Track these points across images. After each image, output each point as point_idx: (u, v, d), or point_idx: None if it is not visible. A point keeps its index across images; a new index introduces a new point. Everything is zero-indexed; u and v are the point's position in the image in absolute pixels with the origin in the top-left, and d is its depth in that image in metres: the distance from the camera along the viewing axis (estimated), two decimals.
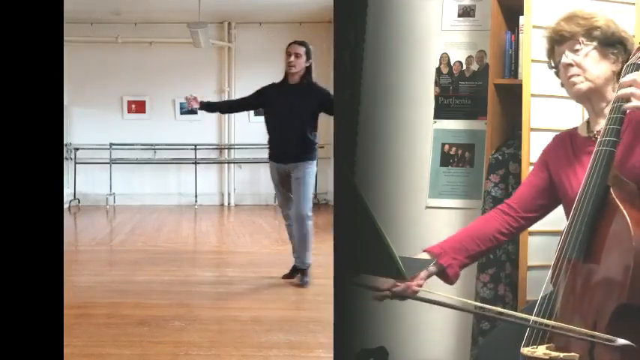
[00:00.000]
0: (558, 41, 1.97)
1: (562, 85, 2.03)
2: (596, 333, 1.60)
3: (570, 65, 1.92)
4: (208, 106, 4.62)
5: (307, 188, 4.21)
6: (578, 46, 1.92)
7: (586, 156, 1.89)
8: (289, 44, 4.21)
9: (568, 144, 2.03)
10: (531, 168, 2.58)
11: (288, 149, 4.19)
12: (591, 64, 1.91)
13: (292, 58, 4.14)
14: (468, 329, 3.00)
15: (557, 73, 2.03)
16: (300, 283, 4.31)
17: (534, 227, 2.18)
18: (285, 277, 4.44)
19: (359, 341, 3.05)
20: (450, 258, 1.95)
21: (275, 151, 4.28)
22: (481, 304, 1.83)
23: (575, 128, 2.07)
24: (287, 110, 4.14)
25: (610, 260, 1.66)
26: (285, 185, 4.27)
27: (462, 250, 1.98)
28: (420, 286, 1.89)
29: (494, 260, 2.87)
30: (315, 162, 4.28)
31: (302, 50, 4.15)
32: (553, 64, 2.02)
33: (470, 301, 1.81)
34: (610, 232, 1.68)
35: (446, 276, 1.96)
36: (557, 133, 2.13)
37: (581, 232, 1.72)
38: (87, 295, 3.99)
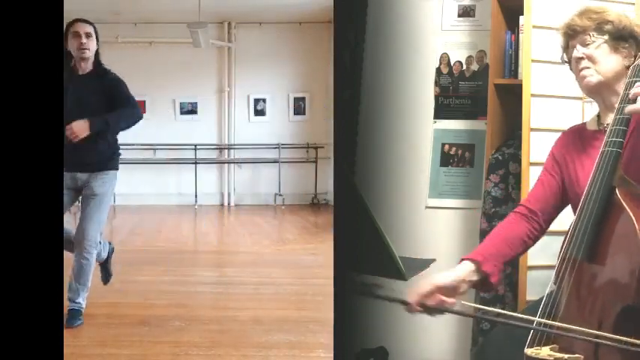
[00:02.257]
0: (571, 36, 1.95)
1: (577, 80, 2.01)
2: (601, 333, 1.58)
3: (581, 59, 1.91)
4: None
5: (101, 206, 3.22)
6: (588, 40, 1.91)
7: (594, 149, 1.85)
8: (73, 23, 3.24)
9: (577, 138, 2.02)
10: (532, 168, 2.60)
11: (83, 155, 3.16)
12: (602, 57, 1.90)
13: (84, 39, 3.18)
14: (468, 329, 3.00)
15: (571, 69, 2.01)
16: None
17: None
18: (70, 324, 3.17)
19: (359, 341, 3.05)
20: (492, 265, 1.89)
21: (69, 158, 2.92)
22: (507, 312, 1.77)
23: (584, 124, 2.06)
24: (78, 107, 3.13)
25: (616, 262, 1.65)
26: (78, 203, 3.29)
27: (499, 255, 1.92)
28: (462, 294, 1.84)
29: None
30: (116, 173, 3.30)
31: (92, 29, 3.23)
32: (567, 59, 2.01)
33: (496, 309, 1.74)
34: (615, 234, 1.66)
35: (488, 285, 1.90)
36: (564, 130, 2.10)
37: (587, 233, 1.70)
38: (87, 295, 3.98)
